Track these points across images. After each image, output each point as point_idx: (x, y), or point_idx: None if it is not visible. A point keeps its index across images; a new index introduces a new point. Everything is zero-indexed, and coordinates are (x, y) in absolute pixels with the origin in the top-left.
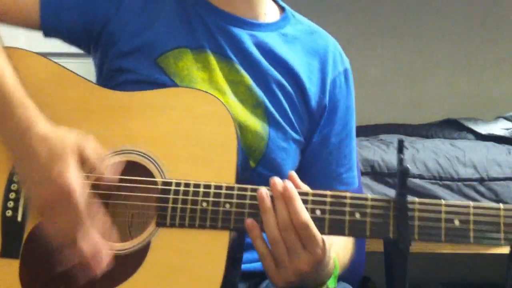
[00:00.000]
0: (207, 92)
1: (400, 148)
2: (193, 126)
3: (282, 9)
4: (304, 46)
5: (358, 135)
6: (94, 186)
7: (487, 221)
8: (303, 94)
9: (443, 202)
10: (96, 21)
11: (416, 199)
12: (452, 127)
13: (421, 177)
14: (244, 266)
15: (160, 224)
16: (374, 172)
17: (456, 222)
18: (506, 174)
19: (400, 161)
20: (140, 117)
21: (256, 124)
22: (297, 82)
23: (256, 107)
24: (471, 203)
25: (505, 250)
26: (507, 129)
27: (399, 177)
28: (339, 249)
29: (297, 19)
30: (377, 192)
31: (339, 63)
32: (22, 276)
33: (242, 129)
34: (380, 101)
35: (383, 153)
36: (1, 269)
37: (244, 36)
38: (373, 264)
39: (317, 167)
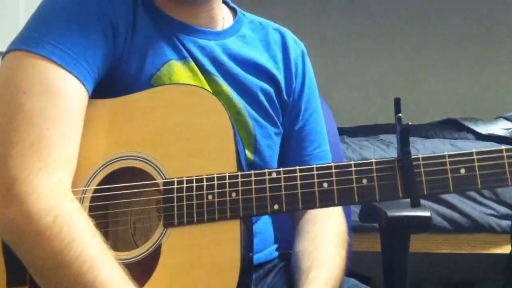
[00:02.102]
0: (191, 85)
1: (398, 107)
2: (184, 120)
3: (233, 10)
4: (262, 42)
5: (358, 135)
6: (94, 198)
7: (492, 165)
8: (277, 86)
9: (446, 153)
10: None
11: (420, 155)
12: (452, 127)
13: None
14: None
15: (168, 224)
16: None
17: (462, 171)
18: None
19: (399, 119)
20: (128, 120)
21: (240, 131)
22: (270, 77)
23: (238, 114)
24: (474, 150)
25: (505, 250)
26: (507, 129)
27: (400, 136)
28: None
29: (248, 18)
30: None
31: (296, 46)
32: None
33: None
34: (380, 101)
35: (383, 153)
36: None
37: (214, 46)
38: (373, 264)
39: (290, 146)
